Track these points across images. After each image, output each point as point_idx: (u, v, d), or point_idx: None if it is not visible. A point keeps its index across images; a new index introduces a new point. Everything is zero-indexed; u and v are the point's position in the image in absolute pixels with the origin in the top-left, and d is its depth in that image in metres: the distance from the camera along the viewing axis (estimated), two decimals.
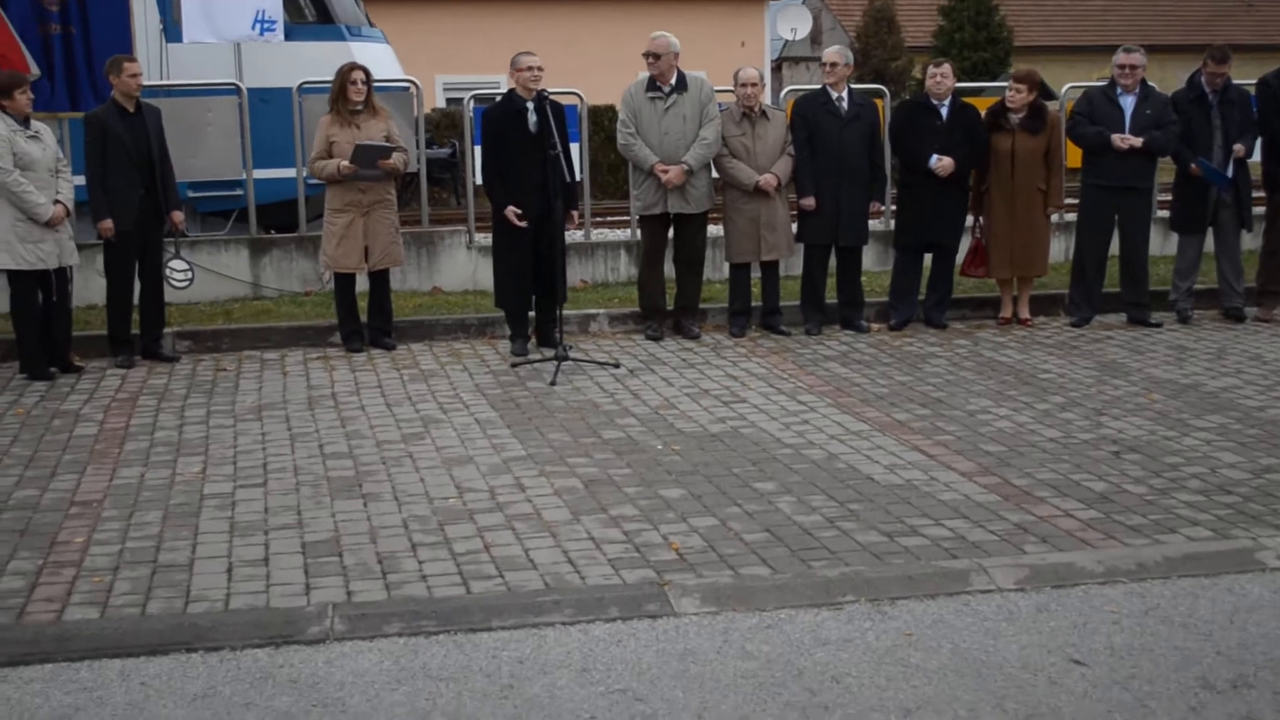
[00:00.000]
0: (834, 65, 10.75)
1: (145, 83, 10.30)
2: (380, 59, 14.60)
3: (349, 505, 6.50)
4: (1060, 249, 13.25)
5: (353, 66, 10.16)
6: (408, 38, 28.10)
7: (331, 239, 10.15)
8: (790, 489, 6.70)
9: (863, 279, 11.24)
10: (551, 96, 9.90)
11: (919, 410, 8.30)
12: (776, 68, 42.93)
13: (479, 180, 12.17)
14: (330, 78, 10.32)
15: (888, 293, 11.30)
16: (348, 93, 10.06)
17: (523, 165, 9.79)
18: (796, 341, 10.55)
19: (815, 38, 45.10)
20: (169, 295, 10.44)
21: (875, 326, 11.01)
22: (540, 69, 9.85)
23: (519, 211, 9.73)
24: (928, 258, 11.12)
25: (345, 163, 9.91)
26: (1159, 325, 10.98)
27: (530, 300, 10.13)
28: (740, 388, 8.98)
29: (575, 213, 10.05)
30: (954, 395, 8.69)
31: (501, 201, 9.84)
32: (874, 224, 11.96)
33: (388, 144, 10.10)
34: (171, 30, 13.42)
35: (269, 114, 13.08)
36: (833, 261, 10.98)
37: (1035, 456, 7.26)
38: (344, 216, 10.11)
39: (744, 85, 10.51)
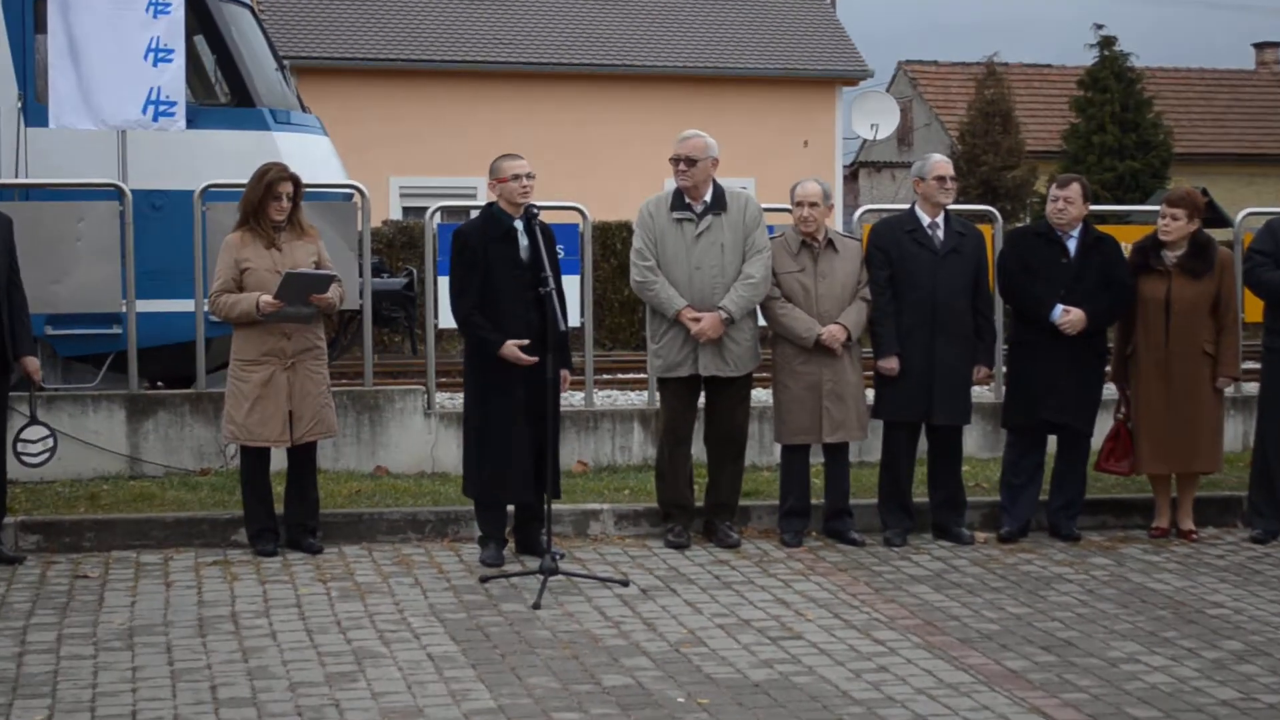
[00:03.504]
0: (951, 179, 10.86)
1: None
2: (315, 155, 14.80)
3: None
4: (1236, 435, 13.25)
5: (281, 175, 10.23)
6: (353, 127, 28.65)
7: (242, 401, 10.20)
8: None
9: (964, 470, 11.25)
10: (540, 214, 10.03)
11: (1040, 656, 8.23)
12: (851, 176, 43.55)
13: (442, 320, 12.26)
14: (246, 180, 10.44)
15: (997, 490, 11.30)
16: (268, 208, 10.18)
17: (510, 302, 9.92)
18: (872, 555, 10.53)
19: (903, 137, 45.83)
20: (14, 471, 10.46)
21: (981, 536, 10.98)
22: (530, 177, 9.98)
23: (523, 344, 9.80)
24: (1052, 443, 11.14)
25: (267, 298, 9.98)
26: None
27: (517, 490, 10.14)
28: (794, 619, 8.93)
29: (566, 372, 10.04)
30: (1089, 636, 8.63)
31: (491, 341, 9.89)
32: (979, 393, 12.00)
33: (323, 272, 10.19)
34: (34, 110, 13.63)
35: (161, 225, 13.24)
36: (923, 446, 10.99)
37: None
38: (260, 370, 10.17)
39: (802, 204, 10.62)
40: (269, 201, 10.18)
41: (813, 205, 10.63)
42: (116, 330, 12.86)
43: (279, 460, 10.50)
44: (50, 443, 10.52)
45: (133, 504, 11.07)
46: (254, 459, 10.35)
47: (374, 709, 7.26)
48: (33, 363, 10.16)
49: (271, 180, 10.22)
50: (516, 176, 9.98)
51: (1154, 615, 9.10)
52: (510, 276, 9.94)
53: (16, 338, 10.00)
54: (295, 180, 10.31)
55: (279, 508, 10.49)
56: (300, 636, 8.47)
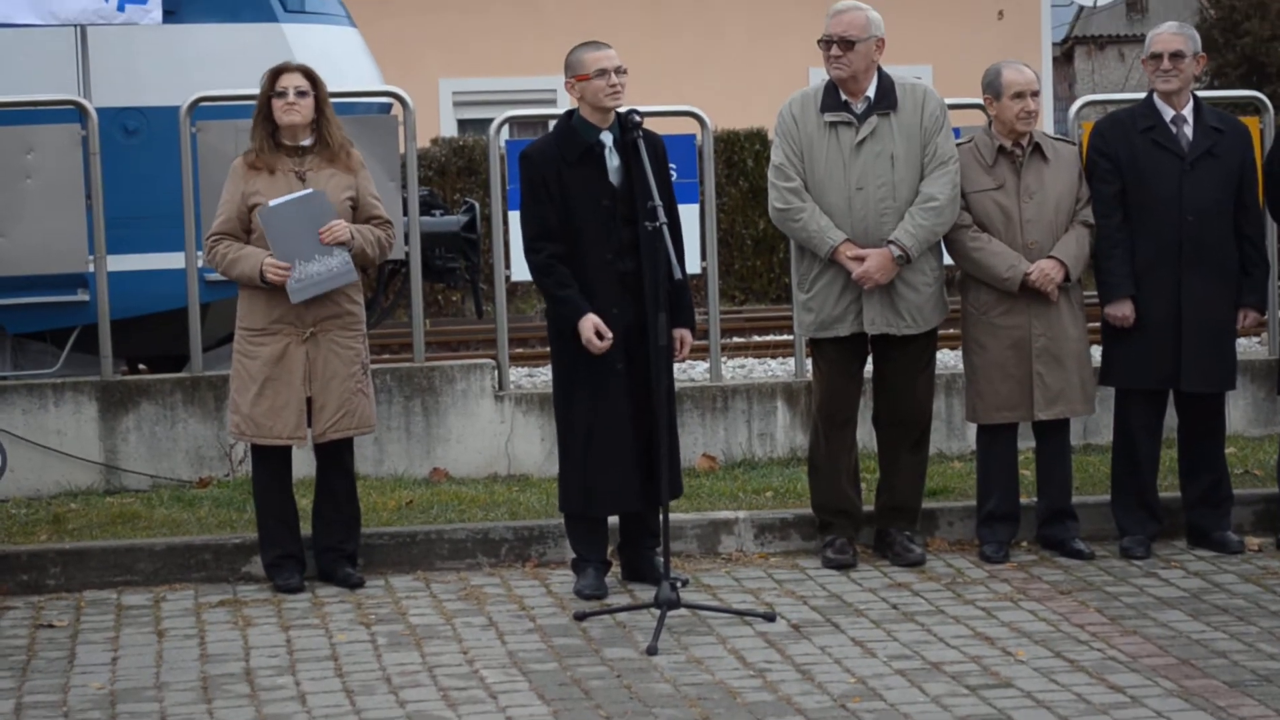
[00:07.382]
0: (1172, 58, 10.74)
1: None
2: (339, 53, 14.84)
3: None
4: None
5: (285, 65, 10.20)
6: (392, 19, 28.70)
7: (248, 384, 10.26)
8: None
9: (1229, 453, 11.20)
10: (644, 123, 10.03)
11: None
12: (1064, 56, 43.27)
13: (515, 271, 12.30)
14: (253, 88, 10.45)
15: (1275, 479, 11.25)
16: (274, 112, 10.13)
17: (595, 246, 9.92)
18: (1105, 571, 10.51)
19: (1134, 2, 45.39)
20: None
21: (1254, 542, 10.95)
22: (621, 71, 9.95)
23: (600, 327, 9.77)
24: None
25: (273, 262, 9.91)
26: None
27: (620, 497, 10.19)
28: (1000, 661, 8.93)
29: (687, 333, 10.06)
30: None
31: (569, 304, 9.90)
32: (1246, 346, 11.92)
33: (305, 191, 10.07)
34: None
35: (138, 154, 13.36)
36: (1172, 422, 10.95)
37: None
38: (270, 344, 10.23)
39: (1024, 94, 10.48)
40: (274, 102, 10.11)
41: (1035, 94, 10.53)
42: (83, 297, 12.96)
43: (303, 464, 10.56)
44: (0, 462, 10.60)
45: (110, 528, 11.18)
46: (268, 461, 10.42)
47: None
48: None
49: (274, 71, 10.15)
50: (602, 72, 9.89)
51: None
52: (595, 210, 9.92)
53: None
54: (310, 74, 10.19)
55: (305, 528, 10.58)
56: (337, 699, 8.53)
